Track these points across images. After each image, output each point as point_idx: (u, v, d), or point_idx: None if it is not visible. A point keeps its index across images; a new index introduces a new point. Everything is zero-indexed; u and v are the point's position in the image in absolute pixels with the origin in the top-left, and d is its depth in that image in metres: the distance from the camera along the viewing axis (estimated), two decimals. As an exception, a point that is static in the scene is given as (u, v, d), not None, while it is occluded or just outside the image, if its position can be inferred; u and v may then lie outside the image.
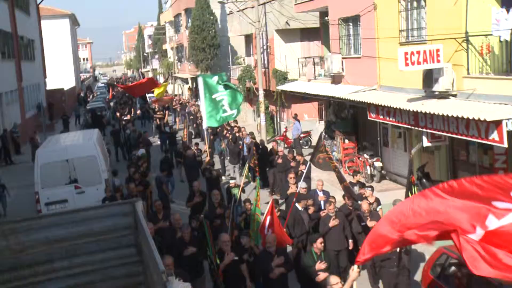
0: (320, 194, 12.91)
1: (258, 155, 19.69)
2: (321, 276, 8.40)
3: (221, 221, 11.48)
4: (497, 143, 11.11)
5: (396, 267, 9.14)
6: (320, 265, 8.62)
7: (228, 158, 21.09)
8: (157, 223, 11.53)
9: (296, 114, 25.59)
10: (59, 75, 54.64)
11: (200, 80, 17.99)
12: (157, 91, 26.81)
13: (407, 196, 9.06)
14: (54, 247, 8.31)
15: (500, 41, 12.24)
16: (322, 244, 8.98)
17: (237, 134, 22.92)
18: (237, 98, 17.85)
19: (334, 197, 12.13)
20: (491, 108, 11.71)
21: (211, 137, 23.40)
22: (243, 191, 14.34)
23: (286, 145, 24.99)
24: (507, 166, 13.23)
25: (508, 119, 10.66)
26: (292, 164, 16.77)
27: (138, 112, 38.11)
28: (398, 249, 8.69)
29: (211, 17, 40.25)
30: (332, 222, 10.80)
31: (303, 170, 14.65)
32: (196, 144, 22.70)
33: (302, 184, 12.54)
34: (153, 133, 31.50)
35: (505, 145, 10.95)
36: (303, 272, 9.34)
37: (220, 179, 16.74)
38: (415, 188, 9.49)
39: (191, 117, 31.89)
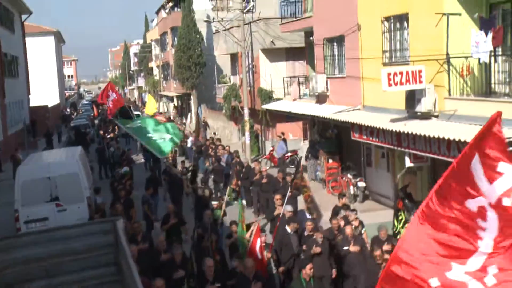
0: (308, 216, 12.72)
1: (242, 174, 19.74)
2: None
3: (205, 243, 11.17)
4: (477, 164, 11.20)
5: None
6: None
7: (212, 177, 21.05)
8: (135, 245, 11.15)
9: (282, 133, 25.69)
10: (43, 92, 54.41)
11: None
12: (148, 107, 26.57)
13: (393, 221, 9.16)
14: (34, 266, 8.21)
15: (480, 63, 12.43)
16: (312, 270, 8.84)
17: (219, 153, 22.95)
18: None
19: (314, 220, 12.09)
20: (471, 129, 11.82)
21: (196, 155, 23.39)
22: (225, 213, 14.14)
23: (273, 164, 25.01)
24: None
25: (488, 140, 10.77)
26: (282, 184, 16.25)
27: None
28: None
29: (197, 36, 40.44)
30: (314, 250, 10.44)
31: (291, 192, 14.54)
32: (183, 162, 22.66)
33: (287, 208, 12.19)
34: (137, 151, 31.36)
35: (485, 166, 11.05)
36: None
37: (211, 198, 16.64)
38: (404, 213, 9.45)
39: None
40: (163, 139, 16.77)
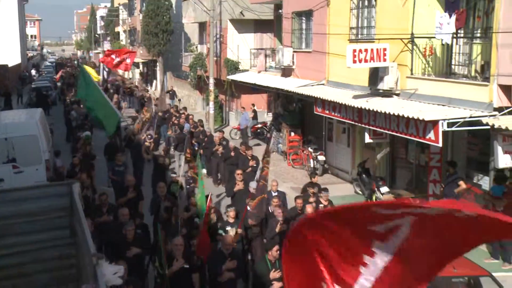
0: (275, 195, 11.84)
1: (204, 143, 19.72)
2: (276, 285, 7.97)
3: (168, 216, 10.68)
4: (433, 143, 11.50)
5: None
6: (275, 274, 8.05)
7: (173, 145, 20.99)
8: (100, 217, 10.67)
9: (253, 104, 25.86)
10: (3, 51, 52.69)
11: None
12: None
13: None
14: (-14, 226, 8.09)
15: (442, 44, 12.63)
16: (278, 252, 8.27)
17: (181, 122, 22.82)
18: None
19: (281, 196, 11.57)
20: (430, 108, 12.10)
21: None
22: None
23: (241, 135, 25.10)
24: (440, 164, 13.71)
25: (444, 119, 11.04)
26: (252, 163, 15.12)
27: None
28: None
29: (166, 2, 39.71)
30: (279, 227, 10.16)
31: (254, 165, 14.34)
32: (148, 128, 22.39)
33: (252, 184, 11.61)
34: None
35: (440, 144, 11.35)
36: (256, 280, 8.70)
37: (167, 169, 16.56)
38: (374, 197, 9.12)
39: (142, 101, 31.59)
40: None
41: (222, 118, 30.13)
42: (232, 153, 16.92)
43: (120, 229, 9.40)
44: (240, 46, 27.86)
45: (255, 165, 14.44)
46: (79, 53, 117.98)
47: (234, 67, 27.34)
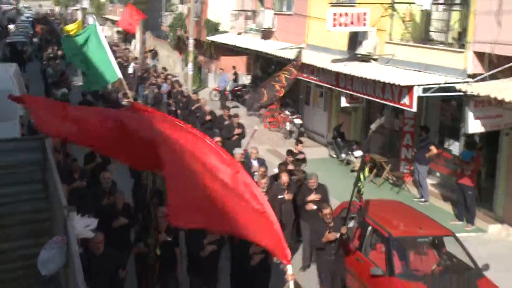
0: (255, 163, 11.39)
1: (182, 104, 19.64)
2: (255, 258, 7.77)
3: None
4: (407, 108, 11.63)
5: (334, 255, 8.34)
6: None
7: (150, 104, 20.83)
8: (72, 183, 10.00)
9: (234, 67, 25.77)
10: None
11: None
12: (70, 28, 24.70)
13: (357, 180, 8.15)
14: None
15: (422, 10, 12.66)
16: None
17: (162, 82, 22.68)
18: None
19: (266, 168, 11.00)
20: (406, 74, 12.20)
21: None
22: None
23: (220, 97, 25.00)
24: (414, 130, 13.92)
25: (419, 85, 11.15)
26: (238, 131, 14.41)
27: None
28: (338, 235, 8.19)
29: (146, -41, 38.82)
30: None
31: (240, 133, 14.18)
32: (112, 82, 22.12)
33: (237, 151, 11.29)
34: (76, 73, 30.44)
35: (415, 109, 11.49)
36: (236, 251, 8.20)
37: None
38: (366, 169, 8.58)
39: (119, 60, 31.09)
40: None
41: (200, 80, 29.95)
42: (208, 117, 16.09)
43: (100, 196, 8.88)
44: (221, 7, 27.48)
45: (241, 133, 14.25)
46: (57, 9, 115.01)
47: (214, 28, 27.01)
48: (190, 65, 26.87)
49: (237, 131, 14.30)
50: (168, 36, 33.64)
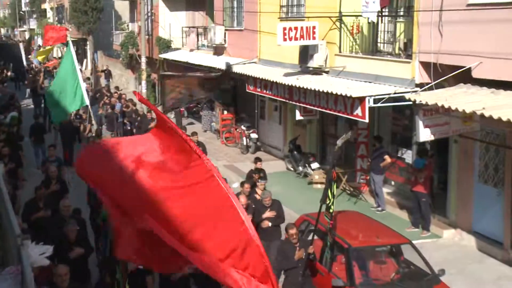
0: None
1: (137, 123, 19.44)
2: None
3: None
4: (360, 118, 11.83)
5: (301, 277, 8.17)
6: None
7: (105, 125, 20.55)
8: (38, 211, 9.61)
9: None
10: None
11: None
12: (41, 55, 25.02)
13: (325, 195, 7.95)
14: None
15: (368, 23, 12.95)
16: None
17: (115, 101, 22.43)
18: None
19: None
20: (357, 85, 12.42)
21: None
22: None
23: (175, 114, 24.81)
24: (368, 140, 14.17)
25: (371, 96, 11.37)
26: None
27: (9, 73, 35.68)
28: (304, 256, 8.04)
29: (95, -22, 38.39)
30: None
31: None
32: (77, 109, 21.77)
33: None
34: (26, 95, 29.73)
35: (367, 120, 11.70)
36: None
37: None
38: (334, 186, 8.09)
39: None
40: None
41: (155, 97, 29.74)
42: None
43: (61, 225, 8.48)
44: (172, 24, 27.47)
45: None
46: (2, 30, 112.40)
47: (166, 45, 26.95)
48: (143, 83, 26.71)
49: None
50: (120, 55, 33.34)
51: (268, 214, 9.77)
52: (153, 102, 28.83)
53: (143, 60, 26.66)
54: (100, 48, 41.13)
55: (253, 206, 10.06)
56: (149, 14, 28.78)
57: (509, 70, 9.14)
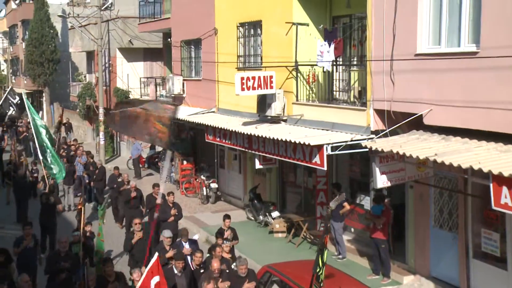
0: (186, 246, 10.78)
1: (95, 175, 19.05)
2: None
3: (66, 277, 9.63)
4: (319, 166, 11.88)
5: None
6: None
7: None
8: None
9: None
10: None
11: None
12: None
13: (317, 260, 7.51)
14: None
15: (324, 72, 13.23)
16: None
17: (73, 153, 22.00)
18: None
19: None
20: (315, 133, 12.54)
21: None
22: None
23: (140, 165, 24.60)
24: (327, 187, 14.24)
25: (328, 144, 11.48)
26: (174, 211, 13.37)
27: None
28: None
29: (51, 31, 38.31)
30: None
31: (176, 214, 13.30)
32: (34, 163, 21.25)
33: (166, 233, 10.74)
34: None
35: (325, 168, 11.77)
36: None
37: (56, 207, 15.61)
38: (326, 253, 7.57)
39: (22, 134, 30.19)
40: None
41: (113, 149, 29.39)
42: (134, 194, 15.19)
43: None
44: (130, 74, 27.50)
45: (177, 214, 13.47)
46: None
47: (124, 96, 26.88)
48: (101, 135, 26.40)
49: (173, 211, 13.38)
50: (77, 106, 33.00)
51: (247, 286, 8.91)
52: (111, 154, 28.51)
53: (101, 111, 26.45)
54: (56, 100, 40.71)
55: (227, 271, 9.47)
56: (107, 65, 28.76)
57: (457, 117, 9.42)
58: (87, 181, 19.61)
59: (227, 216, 12.23)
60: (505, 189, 7.52)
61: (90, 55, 32.51)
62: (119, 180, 17.10)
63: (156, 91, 23.31)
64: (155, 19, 23.18)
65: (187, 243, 10.90)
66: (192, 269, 9.91)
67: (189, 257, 10.29)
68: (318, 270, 7.47)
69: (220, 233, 11.68)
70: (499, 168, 7.62)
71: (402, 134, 10.55)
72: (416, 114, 10.10)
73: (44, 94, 42.31)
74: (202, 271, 9.73)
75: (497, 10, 8.61)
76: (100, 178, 18.97)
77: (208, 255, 10.24)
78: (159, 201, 12.84)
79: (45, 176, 17.77)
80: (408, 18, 10.28)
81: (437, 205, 11.30)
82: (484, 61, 8.74)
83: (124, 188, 16.14)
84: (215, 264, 9.09)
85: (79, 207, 12.65)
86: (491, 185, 7.75)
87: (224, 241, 10.89)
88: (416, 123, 10.32)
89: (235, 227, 12.35)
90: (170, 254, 10.09)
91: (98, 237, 11.90)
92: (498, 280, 10.03)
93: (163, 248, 10.44)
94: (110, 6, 27.23)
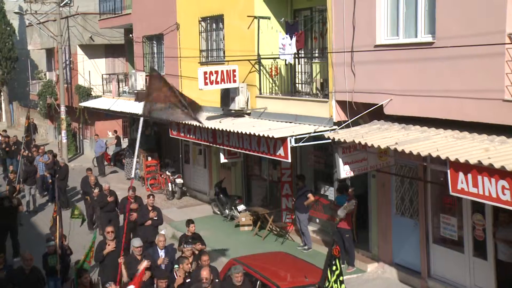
0: (161, 253, 10.11)
1: (58, 174, 18.71)
2: None
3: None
4: (283, 159, 11.98)
5: None
6: None
7: (22, 179, 19.58)
8: None
9: (115, 131, 25.35)
10: None
11: None
12: None
13: (324, 279, 6.96)
14: None
15: (286, 64, 13.33)
16: None
17: (34, 154, 21.55)
18: None
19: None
20: (278, 126, 12.63)
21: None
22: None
23: (106, 162, 24.31)
24: (291, 179, 14.38)
25: (292, 136, 11.58)
26: (153, 214, 12.46)
27: None
28: None
29: (8, 28, 37.41)
30: None
31: (155, 217, 12.36)
32: None
33: (135, 243, 9.77)
34: None
35: (290, 160, 11.87)
36: None
37: (18, 211, 15.06)
38: (338, 262, 6.99)
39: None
40: None
41: (76, 147, 28.96)
42: (110, 198, 14.33)
43: None
44: (92, 71, 27.12)
45: (155, 217, 12.42)
46: None
47: (86, 93, 26.57)
48: (63, 133, 26.01)
49: (151, 214, 12.46)
50: (37, 105, 32.36)
51: None
52: (73, 152, 28.10)
53: (63, 109, 26.06)
54: (15, 99, 39.83)
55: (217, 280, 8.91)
56: (68, 62, 28.30)
57: (416, 106, 9.64)
58: (49, 180, 19.27)
59: (190, 221, 11.39)
60: (461, 175, 7.75)
61: (50, 53, 31.92)
62: (93, 184, 15.83)
63: (118, 87, 23.06)
64: (116, 15, 22.90)
65: (163, 250, 10.14)
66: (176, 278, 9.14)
67: (176, 266, 9.44)
68: (327, 284, 6.87)
69: (184, 237, 10.97)
70: (455, 154, 7.85)
71: (364, 125, 10.73)
72: (377, 104, 10.29)
73: (2, 93, 41.32)
74: (188, 280, 9.11)
75: (450, 1, 8.84)
76: (63, 177, 18.64)
77: (176, 266, 9.42)
78: (134, 206, 12.73)
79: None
80: (367, 10, 10.46)
81: (399, 193, 11.55)
82: (440, 51, 8.97)
83: (96, 193, 15.12)
84: (205, 273, 8.42)
85: (54, 215, 11.28)
86: (448, 171, 7.98)
87: (185, 245, 9.95)
88: (377, 113, 10.51)
89: (201, 222, 12.25)
90: (143, 266, 8.92)
91: (84, 258, 10.42)
92: (456, 263, 10.37)
93: (134, 259, 9.52)
94: (69, 2, 26.82)
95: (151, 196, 12.99)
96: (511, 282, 9.38)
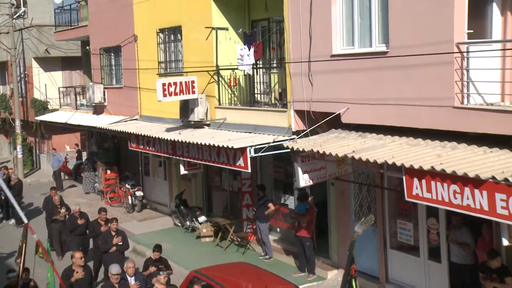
0: (131, 280, 9.62)
1: (13, 190, 18.15)
2: None
3: None
4: (243, 169, 12.01)
5: None
6: None
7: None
8: None
9: (76, 144, 25.08)
10: None
11: None
12: None
13: None
14: None
15: (245, 75, 13.40)
16: None
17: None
18: None
19: None
20: (238, 136, 12.66)
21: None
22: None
23: (66, 177, 23.92)
24: (252, 189, 14.41)
25: (251, 146, 11.61)
26: (116, 240, 11.67)
27: None
28: None
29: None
30: None
31: (120, 243, 11.62)
32: None
33: (113, 270, 9.28)
34: None
35: (249, 170, 11.90)
36: None
37: None
38: (355, 283, 6.89)
39: None
40: None
41: (32, 162, 28.30)
42: (80, 221, 13.41)
43: None
44: (48, 84, 26.64)
45: (120, 243, 11.69)
46: None
47: (42, 107, 26.05)
48: (19, 148, 25.41)
49: (115, 240, 11.64)
50: (-10, 120, 31.56)
51: None
52: (30, 167, 27.47)
53: (18, 123, 25.51)
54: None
55: None
56: (22, 75, 27.73)
57: (372, 115, 9.83)
58: (2, 197, 18.71)
59: (158, 247, 10.95)
60: (416, 181, 7.93)
61: (3, 66, 31.19)
62: (58, 204, 14.85)
63: (76, 100, 22.71)
64: (72, 27, 22.63)
65: (133, 277, 9.71)
66: None
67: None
68: None
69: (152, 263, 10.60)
70: (410, 161, 8.03)
71: (322, 134, 10.87)
72: (334, 113, 10.44)
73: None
74: None
75: (401, 11, 9.08)
76: (17, 193, 18.06)
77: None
78: (103, 228, 12.34)
79: None
80: (323, 20, 10.63)
81: (357, 200, 11.73)
82: (394, 60, 9.19)
83: (63, 213, 14.40)
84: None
85: (20, 244, 9.87)
86: (403, 177, 8.15)
87: (160, 272, 9.52)
88: (335, 122, 10.66)
89: (162, 235, 12.10)
90: None
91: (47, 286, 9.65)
92: (412, 267, 10.60)
93: (111, 287, 9.21)
94: (23, 14, 26.32)
95: (114, 220, 11.96)
96: (464, 283, 9.64)
